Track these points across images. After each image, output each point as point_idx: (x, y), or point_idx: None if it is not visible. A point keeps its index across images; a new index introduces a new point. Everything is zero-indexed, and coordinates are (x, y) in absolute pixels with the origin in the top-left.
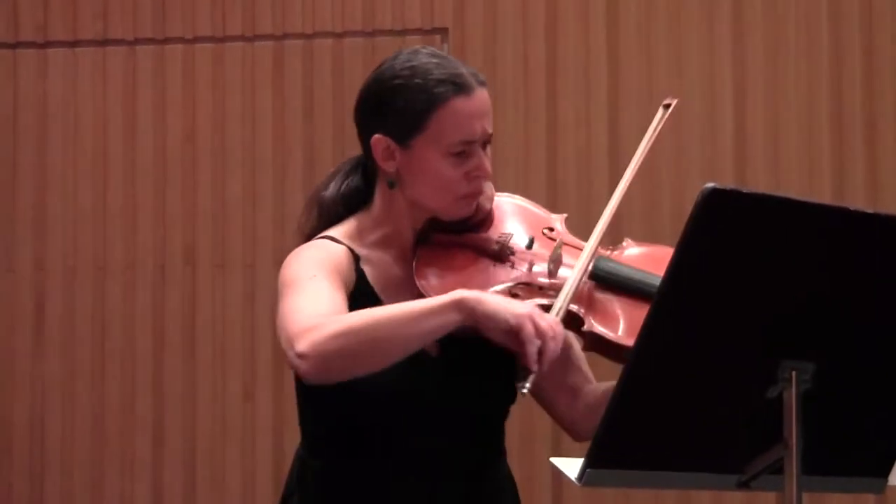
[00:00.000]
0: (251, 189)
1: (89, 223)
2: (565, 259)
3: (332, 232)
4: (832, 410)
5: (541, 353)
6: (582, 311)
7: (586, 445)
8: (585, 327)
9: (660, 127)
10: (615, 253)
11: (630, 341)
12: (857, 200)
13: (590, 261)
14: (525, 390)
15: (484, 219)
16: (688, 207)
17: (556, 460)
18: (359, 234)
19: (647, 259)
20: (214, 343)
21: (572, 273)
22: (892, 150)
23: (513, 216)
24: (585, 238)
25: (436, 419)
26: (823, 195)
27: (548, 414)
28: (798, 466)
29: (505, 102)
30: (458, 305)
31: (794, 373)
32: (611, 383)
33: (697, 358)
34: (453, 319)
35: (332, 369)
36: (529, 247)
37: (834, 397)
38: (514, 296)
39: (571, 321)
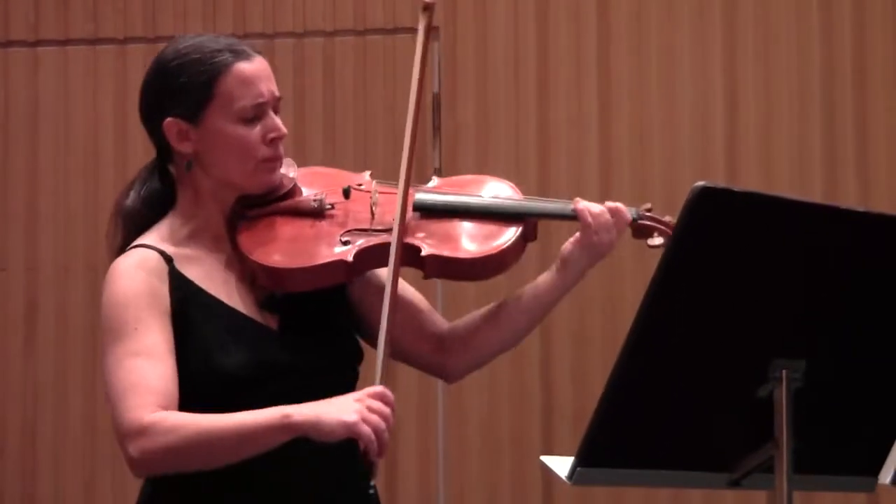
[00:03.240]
0: None
1: (81, 222)
2: (383, 200)
3: (143, 239)
4: (823, 409)
5: (379, 444)
6: (415, 240)
7: (576, 445)
8: (423, 253)
9: (426, 32)
10: (429, 185)
11: (466, 254)
12: (849, 199)
13: (405, 191)
14: (372, 490)
15: (291, 189)
16: (679, 206)
17: (546, 459)
18: (170, 234)
19: (457, 184)
20: None
21: (396, 210)
22: (883, 148)
23: (320, 180)
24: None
25: (287, 391)
26: (814, 194)
27: (417, 367)
28: (789, 465)
29: (496, 101)
30: (290, 429)
31: (784, 371)
32: (473, 314)
33: (688, 356)
34: (285, 438)
35: (159, 473)
36: (346, 197)
37: (825, 396)
38: (346, 243)
39: (410, 254)
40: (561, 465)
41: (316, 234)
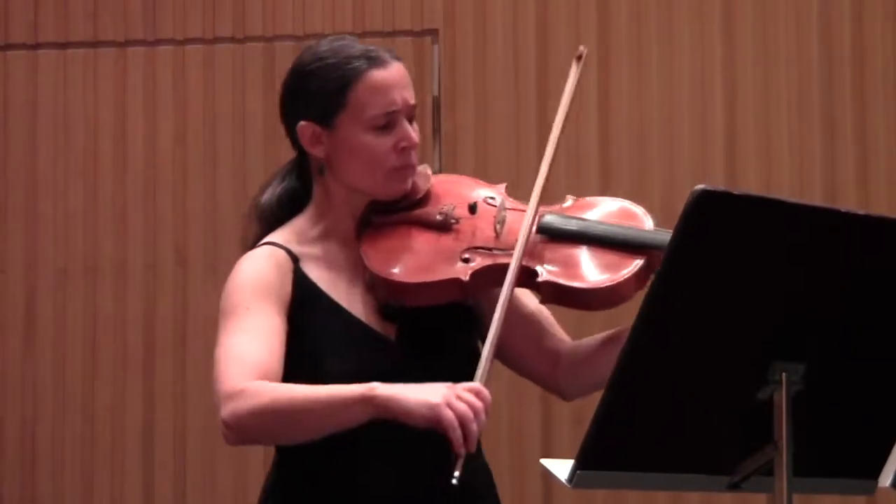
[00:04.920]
0: (242, 191)
1: (80, 224)
2: (510, 219)
3: (272, 237)
4: (823, 412)
5: (465, 435)
6: (534, 264)
7: (576, 447)
8: (540, 278)
9: (575, 82)
10: (561, 206)
11: (583, 283)
12: (849, 202)
13: (535, 216)
14: (455, 480)
15: (423, 196)
16: (678, 209)
17: (546, 462)
18: (300, 234)
19: (589, 209)
20: (205, 345)
21: (521, 230)
22: (883, 151)
23: (452, 190)
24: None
25: None
26: (814, 196)
27: (533, 382)
28: (788, 468)
29: (496, 104)
30: (372, 402)
31: (784, 374)
32: (596, 337)
33: (688, 359)
34: (368, 413)
35: (248, 440)
36: (472, 213)
37: (824, 399)
38: (466, 261)
39: (527, 277)
40: (561, 467)
41: (438, 248)
